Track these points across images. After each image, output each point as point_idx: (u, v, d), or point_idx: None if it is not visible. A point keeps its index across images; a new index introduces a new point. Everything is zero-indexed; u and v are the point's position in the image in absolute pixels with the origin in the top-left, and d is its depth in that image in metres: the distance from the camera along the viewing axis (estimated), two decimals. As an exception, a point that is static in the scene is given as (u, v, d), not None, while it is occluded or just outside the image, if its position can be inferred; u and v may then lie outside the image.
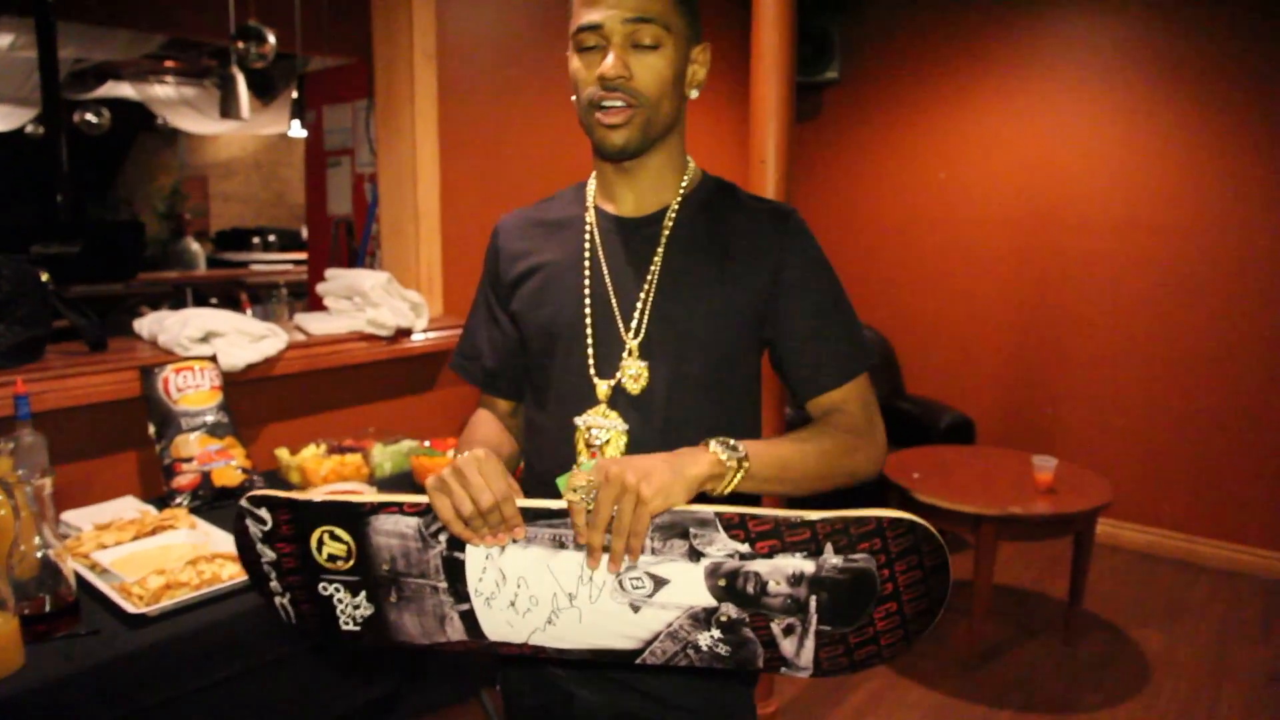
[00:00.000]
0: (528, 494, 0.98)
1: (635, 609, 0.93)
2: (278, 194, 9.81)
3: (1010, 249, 4.02)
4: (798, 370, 1.12)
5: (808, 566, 0.88)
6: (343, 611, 1.00)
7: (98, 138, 8.12)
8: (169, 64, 7.43)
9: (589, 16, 1.03)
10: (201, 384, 1.95)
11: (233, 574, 1.49)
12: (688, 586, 0.91)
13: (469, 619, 0.97)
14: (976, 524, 2.70)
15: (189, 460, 1.89)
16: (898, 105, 4.27)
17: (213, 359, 2.01)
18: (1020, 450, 3.37)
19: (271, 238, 7.69)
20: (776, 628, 0.91)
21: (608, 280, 1.13)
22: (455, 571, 0.95)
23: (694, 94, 1.13)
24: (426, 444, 2.17)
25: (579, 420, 1.10)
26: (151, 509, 1.79)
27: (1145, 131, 3.65)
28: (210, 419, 1.94)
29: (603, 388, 1.10)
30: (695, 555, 0.90)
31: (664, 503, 0.88)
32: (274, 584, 1.01)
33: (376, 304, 2.37)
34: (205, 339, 2.04)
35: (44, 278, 1.90)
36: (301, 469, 2.03)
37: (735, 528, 0.88)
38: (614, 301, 1.12)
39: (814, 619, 0.90)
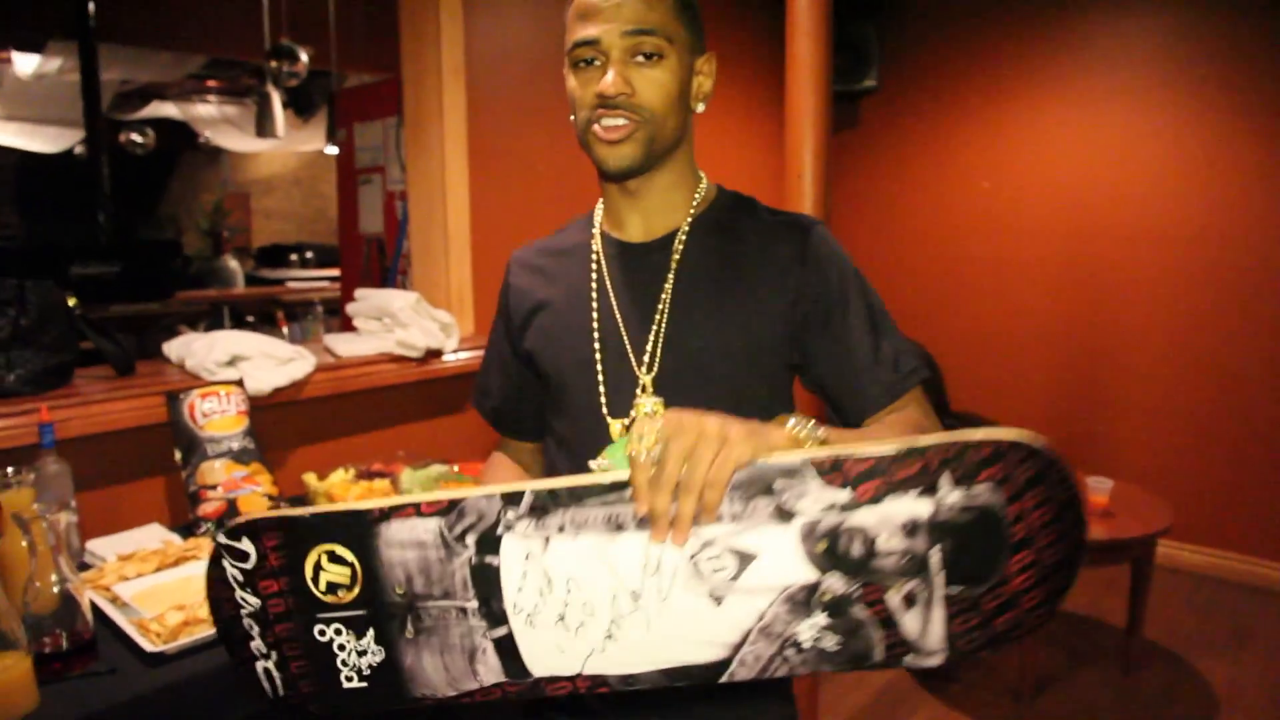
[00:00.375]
0: None
1: (717, 600, 0.75)
2: (318, 210, 9.92)
3: (1058, 260, 3.89)
4: (844, 398, 1.04)
5: (923, 508, 0.71)
6: (345, 662, 0.82)
7: (143, 157, 8.27)
8: (211, 83, 7.55)
9: (585, 31, 0.97)
10: (228, 409, 1.92)
11: (253, 609, 1.45)
12: (780, 559, 0.73)
13: (507, 649, 0.78)
14: (1028, 549, 2.59)
15: (214, 487, 1.85)
16: (938, 113, 4.17)
17: (239, 383, 1.98)
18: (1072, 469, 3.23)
19: (309, 254, 7.77)
20: (894, 599, 0.73)
21: (617, 313, 1.07)
22: (488, 583, 0.77)
23: (700, 107, 1.06)
24: (455, 469, 2.12)
25: (593, 463, 1.03)
26: (176, 538, 1.76)
27: (1197, 137, 3.51)
28: (236, 445, 1.90)
29: (616, 427, 1.04)
30: (785, 515, 0.72)
31: (750, 451, 0.72)
32: (256, 643, 0.83)
33: (406, 324, 2.33)
34: (232, 363, 2.01)
35: (71, 302, 1.89)
36: (329, 495, 1.99)
37: (831, 472, 0.72)
38: (624, 335, 1.05)
39: (939, 579, 0.72)
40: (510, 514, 0.76)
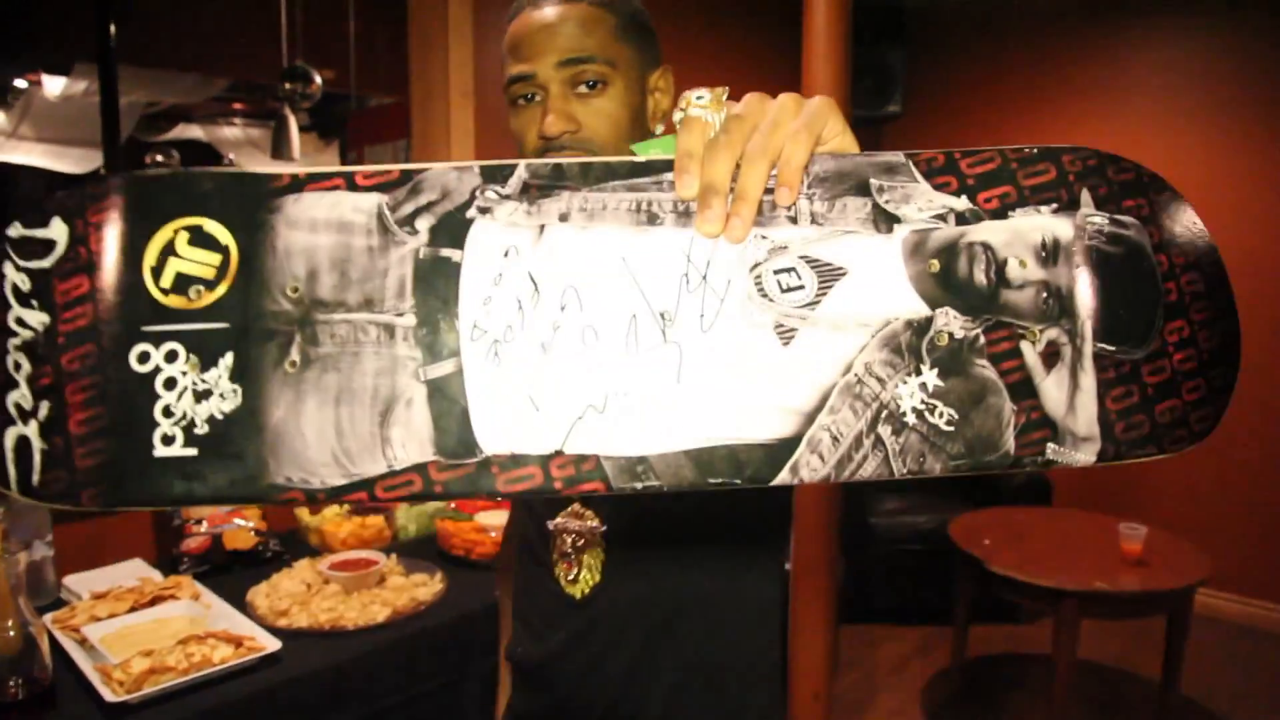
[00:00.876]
0: (519, 629, 0.79)
1: (785, 336, 0.52)
2: (340, 233, 9.98)
3: (1088, 293, 3.77)
4: None
5: (1061, 228, 0.54)
6: (169, 411, 0.49)
7: (168, 179, 8.33)
8: (236, 105, 7.61)
9: (518, 66, 0.88)
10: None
11: (225, 657, 1.37)
12: (877, 279, 0.52)
13: (445, 399, 0.50)
14: (1057, 600, 2.46)
15: (199, 522, 1.78)
16: (965, 139, 4.07)
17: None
18: (1102, 513, 3.10)
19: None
20: (1031, 353, 0.53)
21: None
22: (440, 287, 0.51)
23: (659, 129, 0.96)
24: (452, 506, 2.03)
25: (552, 524, 0.95)
26: (156, 574, 1.68)
27: (1236, 161, 3.39)
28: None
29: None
30: (886, 220, 0.53)
31: (841, 126, 0.55)
32: (17, 394, 0.49)
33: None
34: (223, 391, 1.94)
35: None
36: (320, 531, 1.91)
37: (943, 172, 0.54)
38: None
39: (1088, 328, 0.53)
40: (491, 192, 0.52)
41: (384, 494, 0.50)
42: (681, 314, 0.51)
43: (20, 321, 0.50)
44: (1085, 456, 0.53)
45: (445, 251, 0.51)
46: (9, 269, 0.50)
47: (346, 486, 0.50)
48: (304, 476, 0.50)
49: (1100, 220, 0.54)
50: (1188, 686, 2.93)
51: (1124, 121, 3.64)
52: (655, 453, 0.50)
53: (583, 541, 0.92)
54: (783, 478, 0.51)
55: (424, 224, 0.51)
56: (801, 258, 0.52)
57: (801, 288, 0.52)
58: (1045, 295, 0.53)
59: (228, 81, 6.09)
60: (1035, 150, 0.55)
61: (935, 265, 0.53)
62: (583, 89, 0.88)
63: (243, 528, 1.80)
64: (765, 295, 0.52)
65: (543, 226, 0.52)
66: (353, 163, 3.41)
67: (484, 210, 0.52)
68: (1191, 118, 3.48)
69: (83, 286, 0.50)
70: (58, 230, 0.50)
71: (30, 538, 1.54)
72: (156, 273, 0.50)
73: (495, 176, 0.53)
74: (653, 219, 0.52)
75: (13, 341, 0.50)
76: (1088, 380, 0.54)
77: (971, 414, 0.52)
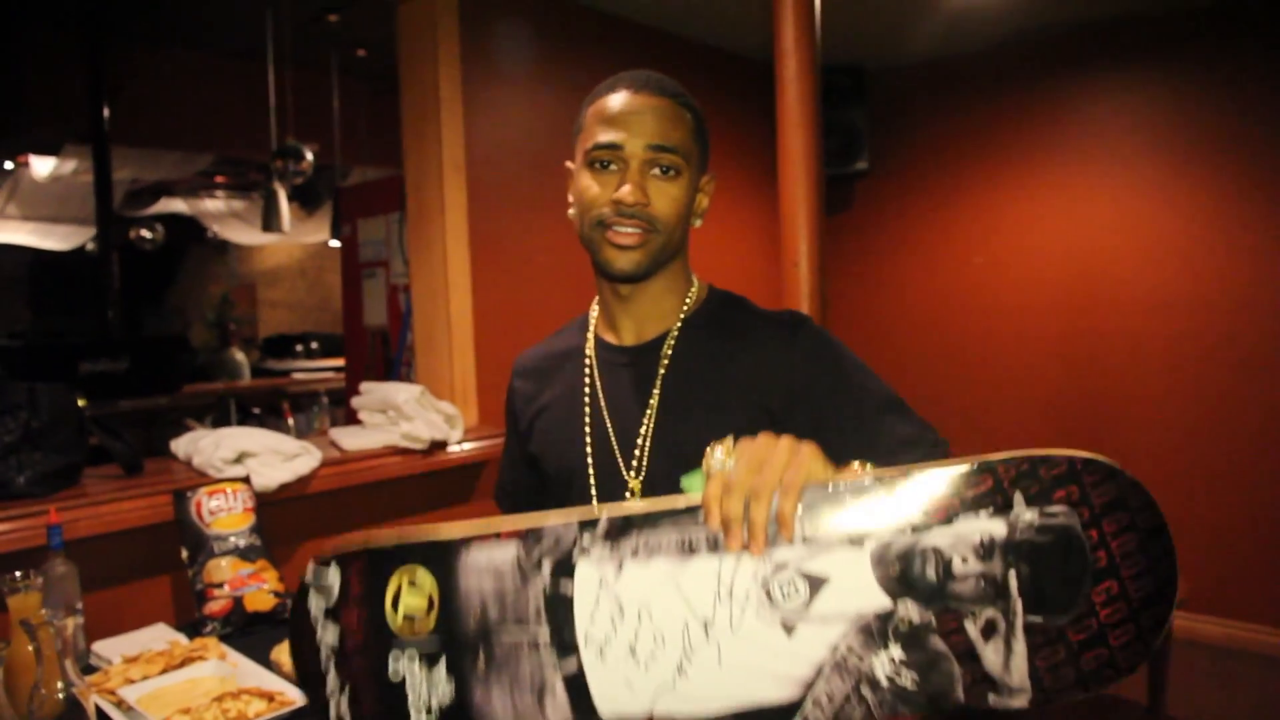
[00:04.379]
0: None
1: (789, 629, 0.72)
2: (322, 299, 10.06)
3: (1053, 333, 3.93)
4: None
5: (998, 528, 0.69)
6: (416, 701, 0.80)
7: (152, 252, 8.43)
8: (219, 179, 7.76)
9: (609, 136, 1.01)
10: (234, 506, 1.93)
11: (259, 710, 1.43)
12: (852, 583, 0.71)
13: (576, 686, 0.76)
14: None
15: (220, 585, 1.85)
16: (930, 192, 4.26)
17: (246, 480, 1.99)
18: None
19: (314, 344, 7.85)
20: (973, 629, 0.70)
21: (606, 417, 1.09)
22: (561, 612, 0.76)
23: (697, 223, 1.11)
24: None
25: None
26: (183, 638, 1.75)
27: (1195, 203, 3.57)
28: (242, 542, 1.91)
29: None
30: (857, 538, 0.71)
31: (822, 467, 0.74)
32: (330, 682, 0.82)
33: (410, 417, 2.35)
34: (239, 459, 2.03)
35: (81, 403, 1.92)
36: (334, 590, 1.98)
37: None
38: (613, 439, 1.07)
39: (1019, 606, 0.69)
40: (586, 538, 0.76)
41: None
42: (718, 619, 0.73)
43: (324, 637, 0.82)
44: (1019, 703, 0.70)
45: (563, 585, 0.76)
46: (313, 596, 0.82)
47: None
48: None
49: (1030, 516, 0.69)
50: (1174, 708, 3.02)
51: (1080, 165, 3.83)
52: (707, 714, 0.74)
53: None
54: None
55: (546, 565, 0.76)
56: (797, 571, 0.72)
57: (798, 594, 0.72)
58: (983, 583, 0.69)
59: (212, 157, 6.24)
60: (976, 465, 0.70)
61: (896, 569, 0.71)
62: (657, 172, 1.01)
63: (262, 590, 1.87)
64: (772, 601, 0.72)
65: (621, 563, 0.75)
66: (345, 235, 3.53)
67: (584, 552, 0.76)
68: (1147, 159, 3.67)
69: (353, 617, 0.81)
70: (334, 576, 0.81)
71: (64, 604, 1.61)
72: (394, 608, 0.80)
73: (588, 524, 0.77)
74: (692, 550, 0.74)
75: (324, 648, 0.82)
76: (1019, 646, 0.69)
77: (930, 676, 0.70)
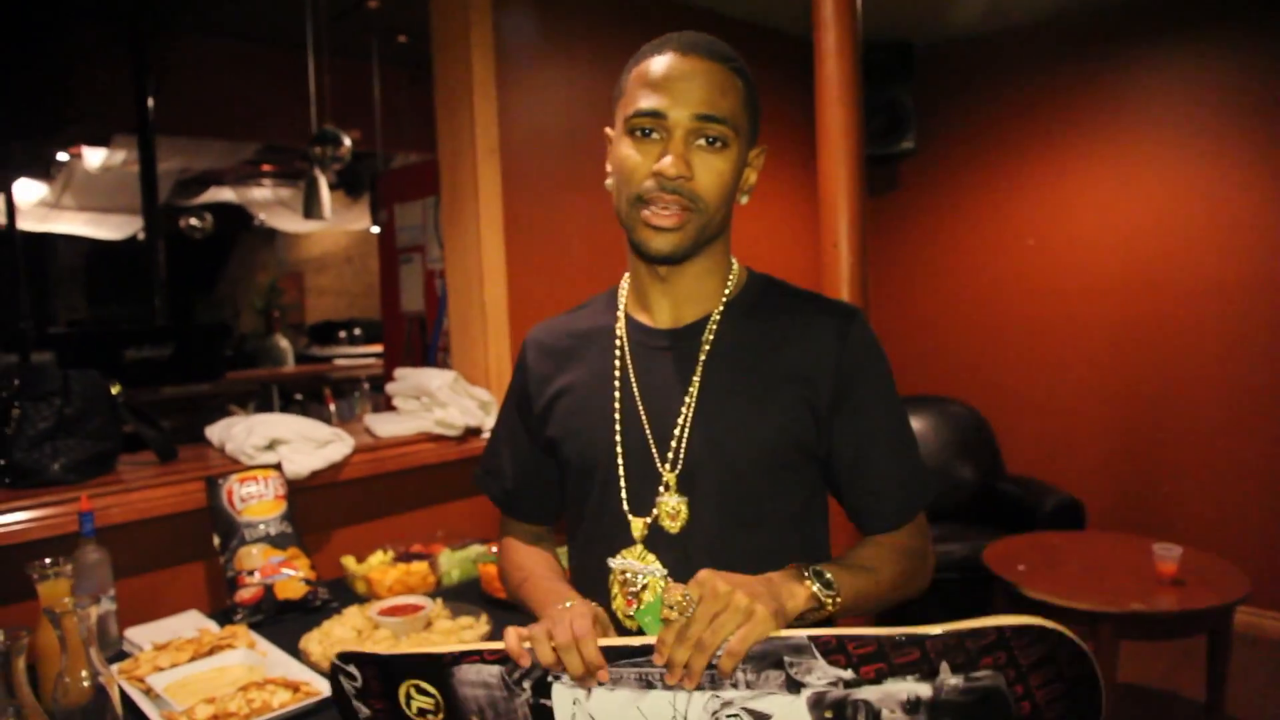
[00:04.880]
0: None
1: None
2: (369, 286, 10.15)
3: (1110, 314, 3.78)
4: (857, 498, 1.01)
5: (923, 690, 0.76)
6: None
7: (202, 240, 8.58)
8: (265, 167, 7.85)
9: (651, 102, 0.93)
10: (265, 493, 1.92)
11: (284, 701, 1.42)
12: None
13: None
14: (1093, 623, 2.46)
15: (251, 573, 1.85)
16: (979, 171, 4.13)
17: (278, 467, 1.98)
18: (1137, 535, 3.09)
19: (357, 330, 7.92)
20: None
21: (640, 404, 1.01)
22: (544, 718, 0.87)
23: (744, 200, 1.02)
24: (493, 549, 2.09)
25: (613, 562, 0.99)
26: (213, 625, 1.75)
27: (1257, 182, 3.41)
28: (274, 529, 1.90)
29: (638, 526, 0.98)
30: (794, 686, 0.79)
31: (769, 629, 0.79)
32: None
33: (444, 404, 2.33)
34: (270, 446, 2.02)
35: (115, 390, 1.92)
36: (367, 579, 1.97)
37: (834, 652, 0.77)
38: (647, 429, 1.00)
39: None
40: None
41: None
42: None
43: (360, 708, 0.94)
44: None
45: (543, 700, 0.86)
46: (343, 680, 0.94)
47: None
48: None
49: (955, 681, 0.75)
50: (1233, 707, 2.90)
51: (1135, 145, 3.68)
52: None
53: (644, 580, 0.97)
54: None
55: (528, 683, 0.86)
56: (743, 708, 0.80)
57: None
58: None
59: (258, 145, 6.31)
60: (904, 637, 0.75)
61: (830, 715, 0.78)
62: (703, 143, 0.93)
63: (293, 577, 1.86)
64: None
65: (590, 689, 0.84)
66: (383, 220, 3.53)
67: (557, 677, 0.85)
68: (1205, 138, 3.51)
69: (379, 705, 0.93)
70: (355, 671, 0.92)
71: (96, 592, 1.61)
72: (408, 705, 0.91)
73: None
74: (649, 685, 0.82)
75: (360, 716, 0.94)
76: None
77: None
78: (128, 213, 7.81)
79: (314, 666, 1.57)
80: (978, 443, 3.76)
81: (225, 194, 8.33)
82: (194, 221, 8.29)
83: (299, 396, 4.45)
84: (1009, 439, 3.95)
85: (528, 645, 0.85)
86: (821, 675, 0.78)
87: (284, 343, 6.45)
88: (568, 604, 0.87)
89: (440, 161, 2.69)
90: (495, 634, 1.71)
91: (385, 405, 2.75)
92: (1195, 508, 3.59)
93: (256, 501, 1.91)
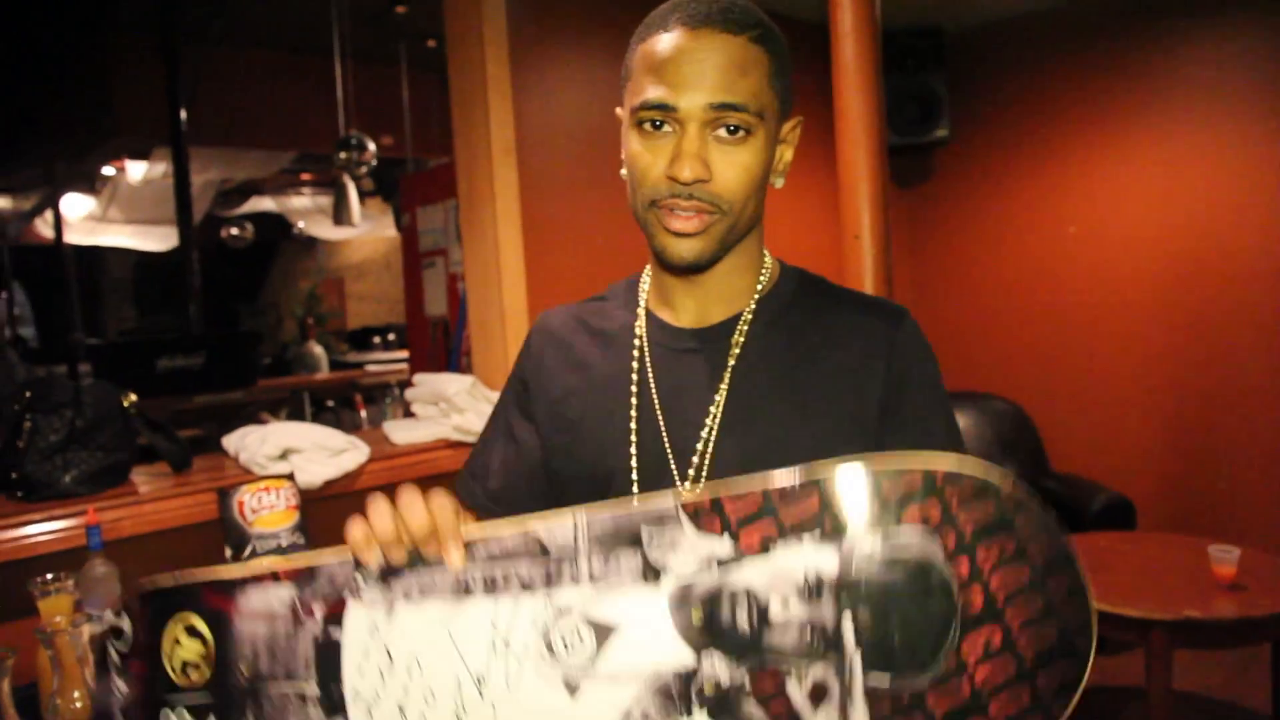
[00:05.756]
0: None
1: (572, 689, 0.60)
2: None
3: (1158, 303, 3.62)
4: None
5: (826, 562, 0.54)
6: None
7: (245, 249, 8.72)
8: (303, 176, 7.94)
9: (658, 93, 0.80)
10: (277, 504, 1.89)
11: (285, 720, 1.38)
12: (647, 632, 0.59)
13: None
14: (1146, 630, 2.33)
15: (263, 585, 1.82)
16: (1016, 158, 3.99)
17: (291, 477, 1.95)
18: (1191, 535, 2.94)
19: (391, 336, 7.97)
20: (798, 692, 0.55)
21: (659, 413, 0.89)
22: (329, 662, 0.67)
23: (779, 182, 0.89)
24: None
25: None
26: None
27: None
28: (285, 540, 1.87)
29: None
30: (653, 573, 0.59)
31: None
32: None
33: (462, 409, 2.29)
34: (284, 456, 2.00)
35: (126, 402, 1.91)
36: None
37: (707, 514, 0.58)
38: (666, 441, 0.88)
39: (856, 662, 0.53)
40: (360, 578, 0.67)
41: None
42: (492, 676, 0.62)
43: (116, 691, 0.74)
44: None
45: (332, 631, 0.67)
46: (110, 647, 0.75)
47: None
48: None
49: (870, 545, 0.53)
50: (1301, 718, 2.75)
51: (1179, 128, 3.52)
52: None
53: None
54: None
55: (319, 609, 0.67)
56: (582, 618, 0.60)
57: (583, 645, 0.60)
58: (810, 633, 0.54)
59: (294, 154, 6.38)
60: (797, 481, 0.55)
61: (699, 615, 0.57)
62: (723, 133, 0.80)
63: (305, 589, 1.83)
64: (554, 655, 0.61)
65: (392, 605, 0.65)
66: (406, 224, 3.51)
67: (355, 594, 0.67)
68: (1246, 116, 3.35)
69: (137, 670, 0.73)
70: (125, 623, 0.74)
71: (103, 608, 1.59)
72: (171, 659, 0.72)
73: (361, 564, 0.67)
74: (466, 591, 0.63)
75: (117, 704, 0.74)
76: (859, 716, 0.53)
77: None
78: (170, 224, 7.97)
79: (320, 682, 1.53)
80: (1020, 440, 3.63)
81: (265, 203, 8.45)
82: (235, 231, 8.42)
83: (330, 403, 4.46)
84: (1053, 435, 3.81)
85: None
86: (689, 555, 0.58)
87: (318, 349, 6.50)
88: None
89: (457, 163, 2.66)
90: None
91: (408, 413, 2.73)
92: (1254, 506, 3.41)
93: (268, 512, 1.88)
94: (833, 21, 1.84)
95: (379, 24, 4.27)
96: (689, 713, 0.57)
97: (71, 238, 7.36)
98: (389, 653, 0.65)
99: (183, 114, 4.39)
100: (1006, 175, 4.05)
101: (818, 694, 0.54)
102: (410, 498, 0.67)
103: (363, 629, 0.66)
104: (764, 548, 0.56)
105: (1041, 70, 3.89)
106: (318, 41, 4.21)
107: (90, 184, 7.15)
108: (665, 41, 0.81)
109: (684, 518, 0.58)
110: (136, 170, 6.69)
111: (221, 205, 8.05)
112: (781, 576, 0.56)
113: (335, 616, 0.67)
